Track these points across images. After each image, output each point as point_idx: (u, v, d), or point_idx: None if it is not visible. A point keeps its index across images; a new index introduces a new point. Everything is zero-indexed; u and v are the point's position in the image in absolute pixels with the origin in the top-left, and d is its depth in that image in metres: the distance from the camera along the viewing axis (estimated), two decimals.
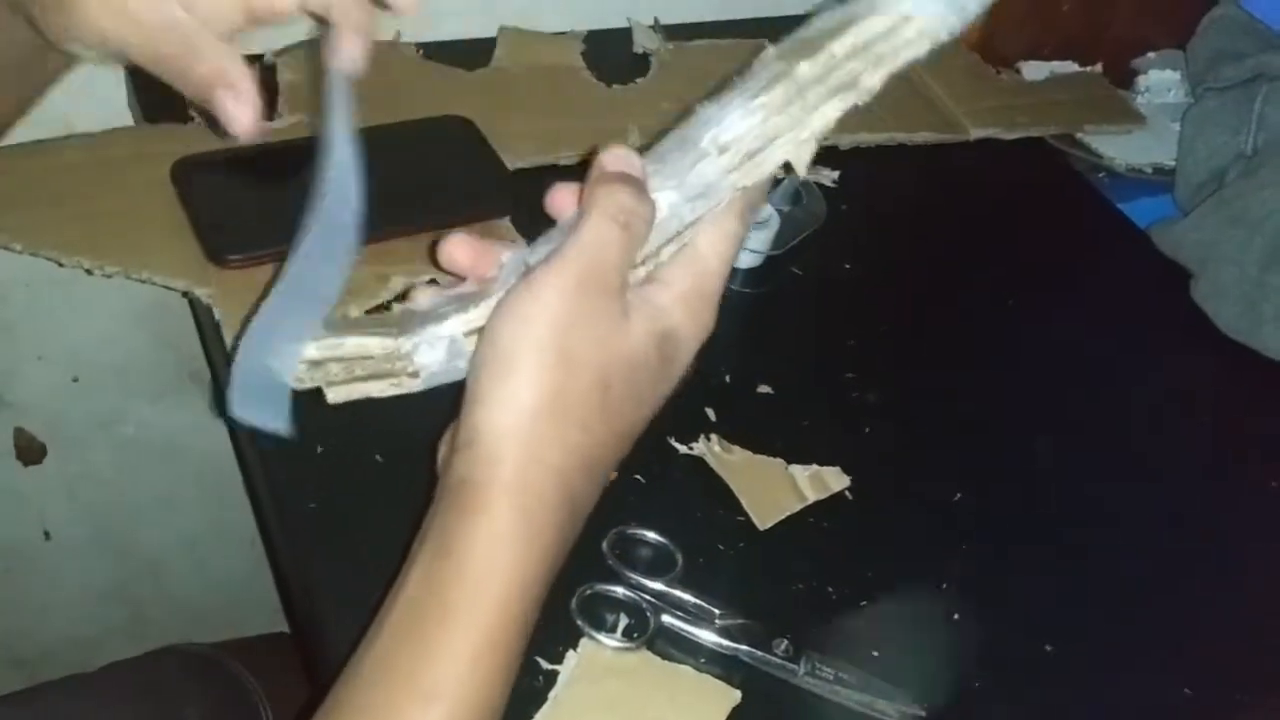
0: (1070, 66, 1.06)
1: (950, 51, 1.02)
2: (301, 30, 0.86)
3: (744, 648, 0.58)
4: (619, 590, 0.59)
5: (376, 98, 0.84)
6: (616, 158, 0.46)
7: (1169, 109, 1.04)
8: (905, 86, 0.99)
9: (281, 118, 0.79)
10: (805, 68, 0.43)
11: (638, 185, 0.45)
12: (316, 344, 0.46)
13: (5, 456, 1.05)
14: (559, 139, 0.84)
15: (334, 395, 0.47)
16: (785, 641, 0.58)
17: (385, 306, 0.68)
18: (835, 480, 0.68)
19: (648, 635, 0.58)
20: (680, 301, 0.45)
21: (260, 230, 0.70)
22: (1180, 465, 0.77)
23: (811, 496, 0.66)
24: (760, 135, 0.44)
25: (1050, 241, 0.92)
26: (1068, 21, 1.05)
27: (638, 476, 0.66)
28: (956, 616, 0.63)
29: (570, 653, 0.57)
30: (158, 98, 0.81)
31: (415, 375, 0.47)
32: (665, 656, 0.58)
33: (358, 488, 0.62)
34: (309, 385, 0.47)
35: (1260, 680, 0.65)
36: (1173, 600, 0.68)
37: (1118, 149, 0.99)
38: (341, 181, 0.48)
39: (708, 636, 0.58)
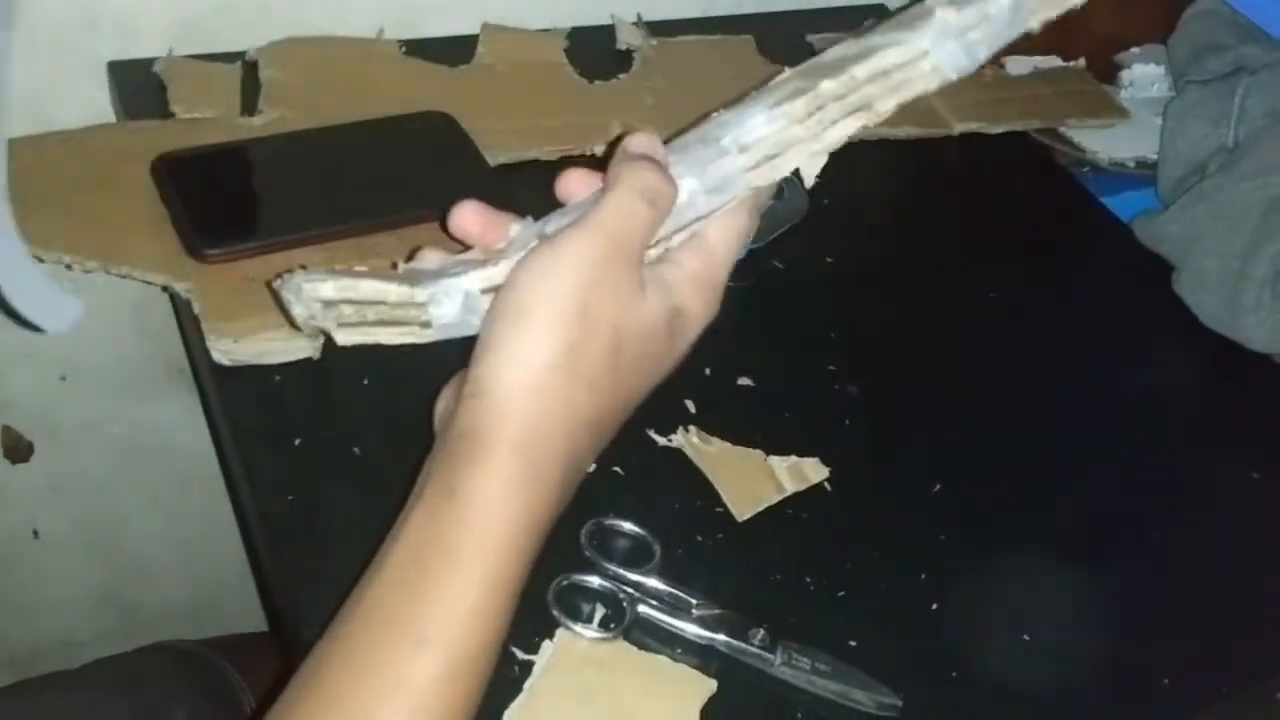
0: (1054, 61, 1.06)
1: None
2: (283, 27, 0.87)
3: (720, 637, 0.58)
4: (595, 580, 0.59)
5: (358, 94, 0.84)
6: (642, 141, 0.48)
7: (1152, 103, 1.04)
8: None
9: (262, 114, 0.80)
10: (828, 85, 0.47)
11: (663, 167, 0.47)
12: (334, 283, 0.46)
13: None
14: (541, 135, 0.84)
15: (343, 337, 0.48)
16: (762, 631, 0.59)
17: None
18: (814, 472, 0.68)
19: (624, 625, 0.58)
20: (691, 283, 0.47)
21: (240, 225, 0.70)
22: (1161, 457, 0.77)
23: (790, 488, 0.67)
24: (779, 141, 0.47)
25: (1033, 235, 0.92)
26: None
27: (616, 468, 0.66)
28: (935, 606, 0.64)
29: (546, 643, 0.57)
30: (139, 94, 0.81)
31: (428, 325, 0.48)
32: (642, 646, 0.58)
33: (336, 481, 0.62)
34: (320, 325, 0.47)
35: (1241, 669, 0.65)
36: (1152, 590, 0.68)
37: (1101, 143, 1.00)
38: None
39: (684, 626, 0.58)
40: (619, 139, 0.49)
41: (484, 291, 0.47)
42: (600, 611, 0.59)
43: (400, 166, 0.78)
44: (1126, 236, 0.91)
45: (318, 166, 0.76)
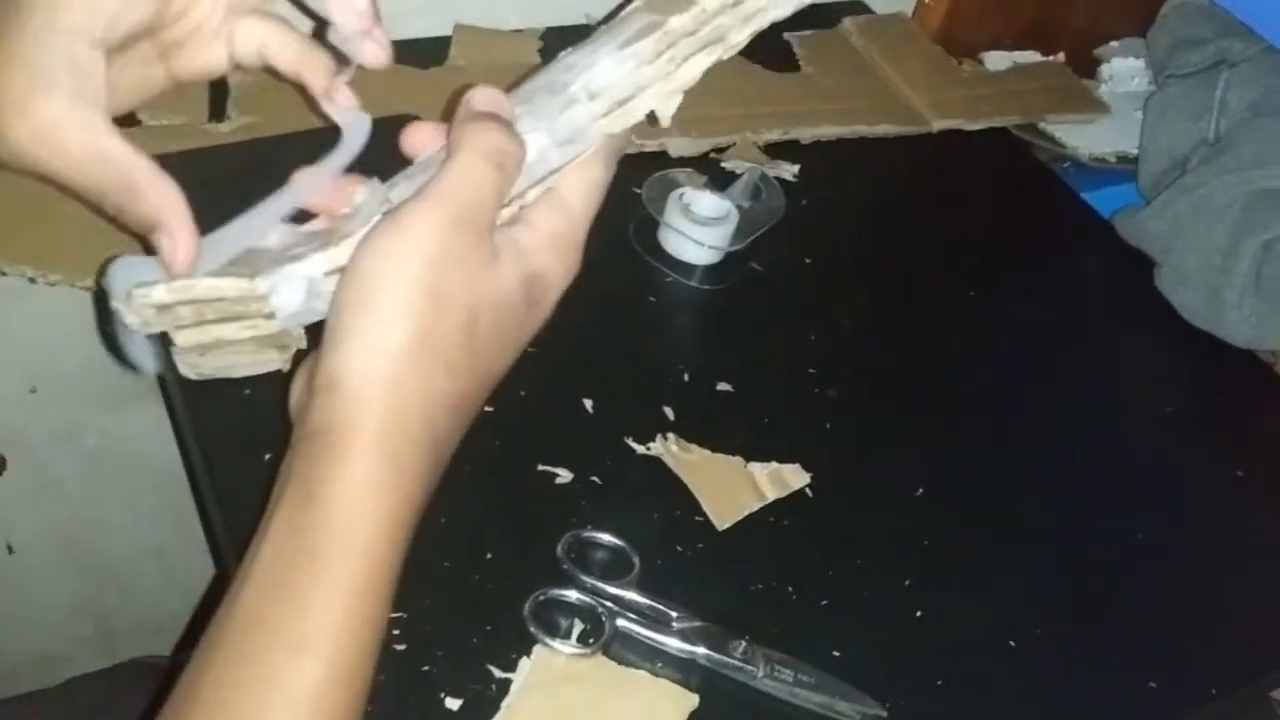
0: (1033, 56, 1.05)
1: (911, 43, 1.02)
2: None
3: (702, 651, 0.57)
4: (573, 595, 0.58)
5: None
6: (486, 97, 0.45)
7: (1132, 97, 1.03)
8: (865, 78, 0.98)
9: (231, 120, 0.78)
10: (677, 21, 0.44)
11: (508, 125, 0.44)
12: (166, 287, 0.44)
13: None
14: None
15: (183, 339, 0.46)
16: (743, 644, 0.58)
17: None
18: (795, 478, 0.67)
19: (603, 640, 0.57)
20: (548, 244, 0.45)
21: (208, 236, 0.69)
22: (1145, 455, 0.76)
23: (771, 495, 0.66)
24: (631, 84, 0.45)
25: (1014, 232, 0.91)
26: (1029, 11, 1.05)
27: (594, 478, 0.65)
28: (919, 614, 0.63)
29: (524, 660, 0.56)
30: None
31: (271, 316, 0.46)
32: (621, 661, 0.57)
33: None
34: (157, 329, 0.45)
35: (1227, 671, 0.65)
36: (1138, 591, 0.67)
37: (1081, 138, 0.99)
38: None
39: (665, 640, 0.57)
40: (460, 92, 0.46)
41: (328, 274, 0.45)
42: (578, 626, 0.58)
43: (374, 172, 0.76)
44: (1108, 233, 0.90)
45: (287, 174, 0.75)
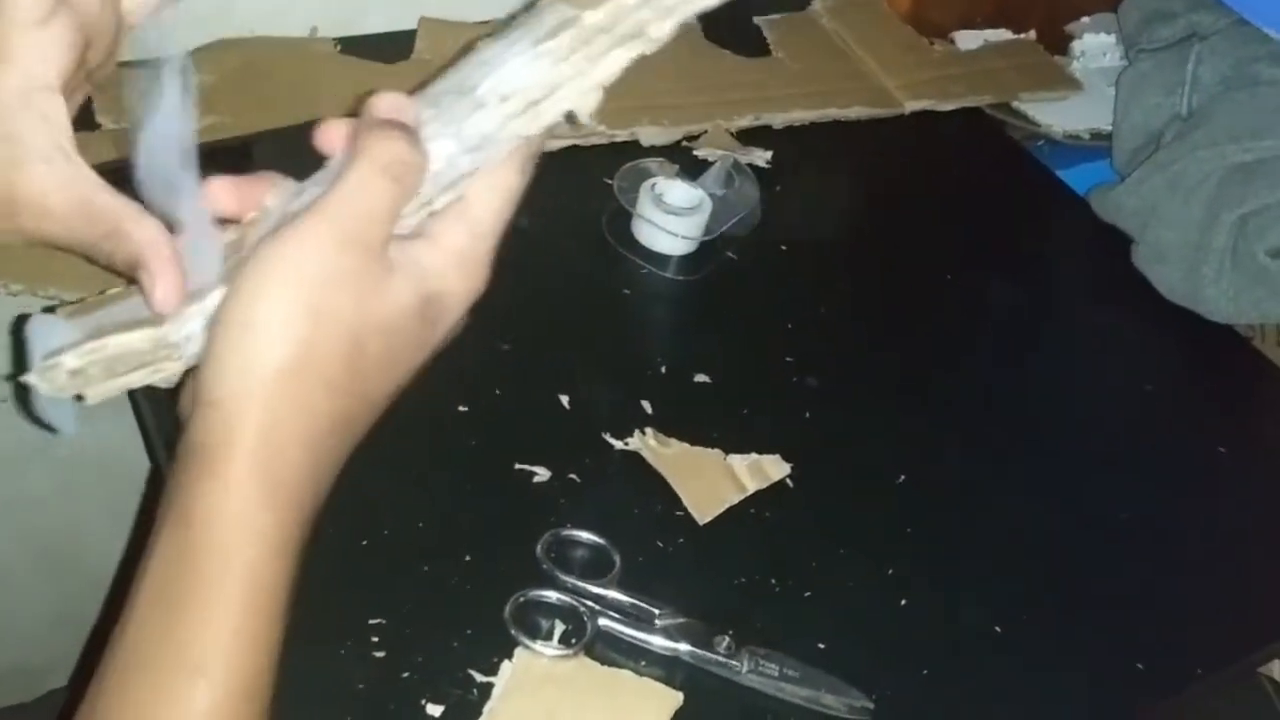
0: (1004, 34, 1.05)
1: (882, 24, 1.01)
2: (212, 29, 0.84)
3: (685, 648, 0.57)
4: (553, 595, 0.57)
5: (293, 96, 0.82)
6: (389, 103, 0.43)
7: (1105, 73, 1.03)
8: (837, 62, 0.97)
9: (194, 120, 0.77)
10: (592, 17, 0.41)
11: (411, 134, 0.42)
12: (75, 353, 0.43)
13: None
14: None
15: (93, 395, 0.44)
16: (727, 639, 0.57)
17: None
18: (775, 469, 0.66)
19: (585, 640, 0.56)
20: (449, 263, 0.42)
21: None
22: (1127, 434, 0.76)
23: (751, 487, 0.65)
24: (544, 84, 0.42)
25: (990, 212, 0.90)
26: None
27: (572, 476, 0.64)
28: (904, 602, 0.62)
29: (505, 663, 0.55)
30: None
31: (179, 360, 0.44)
32: (604, 661, 0.56)
33: None
34: (71, 394, 0.44)
35: (1214, 650, 0.64)
36: (1122, 572, 0.67)
37: (1054, 116, 0.98)
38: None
39: (648, 638, 0.57)
40: (365, 97, 0.43)
41: None
42: (560, 627, 0.57)
43: None
44: (1084, 210, 0.90)
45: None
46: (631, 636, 0.57)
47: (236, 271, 0.41)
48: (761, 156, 0.87)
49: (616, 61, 0.42)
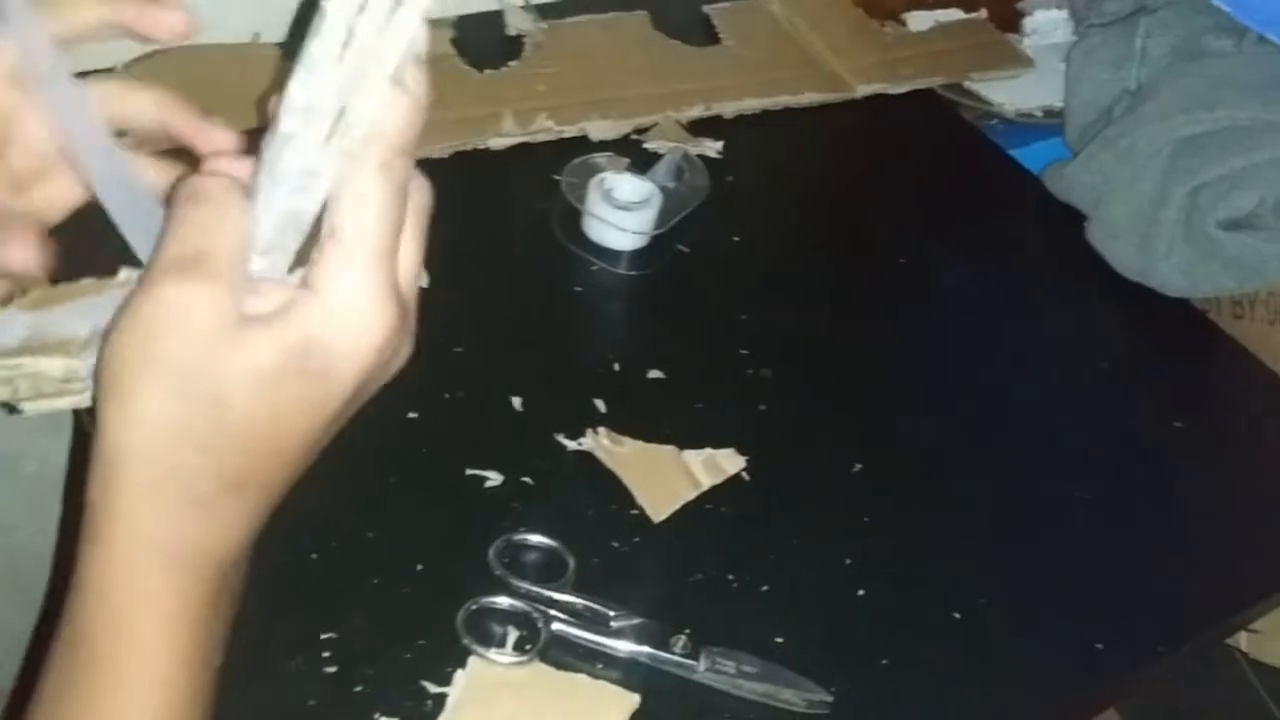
0: (955, 14, 1.04)
1: (832, 8, 1.01)
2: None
3: (642, 649, 0.56)
4: (506, 601, 0.57)
5: (236, 103, 0.80)
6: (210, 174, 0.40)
7: (1056, 49, 1.02)
8: (787, 47, 0.97)
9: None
10: (335, 3, 0.35)
11: (214, 175, 0.39)
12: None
13: None
14: (429, 131, 0.80)
15: (29, 409, 0.43)
16: (684, 638, 0.57)
17: None
18: (730, 463, 0.66)
19: (539, 646, 0.56)
20: (328, 304, 0.37)
21: (123, 246, 0.67)
22: (1082, 411, 0.76)
23: (706, 482, 0.65)
24: (335, 91, 0.36)
25: (944, 194, 0.90)
26: None
27: (525, 479, 0.63)
28: (861, 592, 0.62)
29: (459, 673, 0.55)
30: None
31: (89, 394, 0.42)
32: (560, 666, 0.56)
33: None
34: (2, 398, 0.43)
35: (1172, 630, 0.64)
36: (1080, 553, 0.67)
37: (1007, 94, 0.98)
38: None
39: (603, 641, 0.56)
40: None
41: None
42: (514, 634, 0.56)
43: None
44: (1038, 189, 0.90)
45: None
46: (587, 640, 0.56)
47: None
48: (713, 147, 0.86)
49: (403, 32, 0.36)
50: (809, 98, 0.92)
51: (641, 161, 0.81)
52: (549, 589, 0.58)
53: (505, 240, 0.78)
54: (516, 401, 0.67)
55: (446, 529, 0.61)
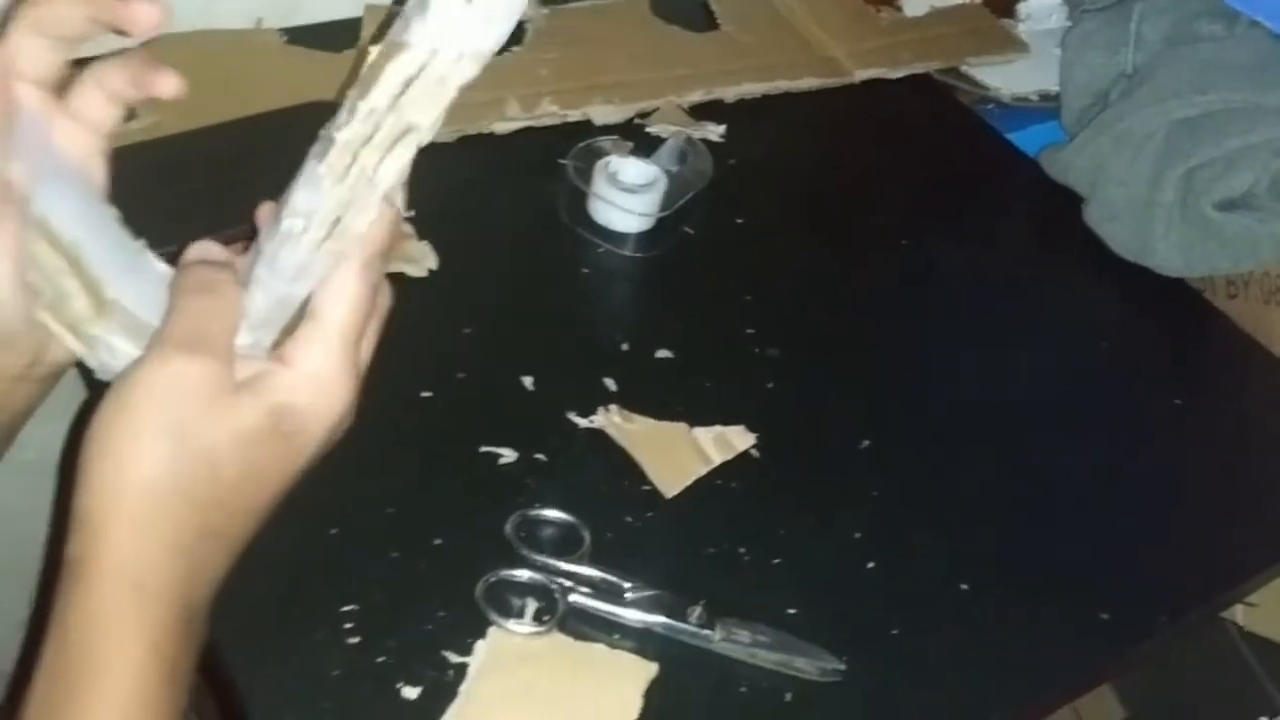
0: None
1: None
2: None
3: (658, 619, 0.57)
4: (524, 574, 0.58)
5: (240, 89, 0.81)
6: (197, 249, 0.46)
7: (1051, 35, 1.03)
8: (785, 33, 0.97)
9: (139, 118, 0.76)
10: (345, 135, 0.40)
11: (215, 263, 0.45)
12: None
13: None
14: None
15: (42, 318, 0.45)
16: (699, 609, 0.58)
17: None
18: (740, 439, 0.67)
19: (557, 617, 0.57)
20: (300, 376, 0.42)
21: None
22: (1084, 389, 0.77)
23: (717, 458, 0.65)
24: (337, 204, 0.41)
25: (942, 178, 0.91)
26: None
27: (539, 455, 0.64)
28: (871, 565, 0.63)
29: (479, 643, 0.55)
30: None
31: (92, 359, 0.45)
32: (578, 636, 0.57)
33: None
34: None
35: (1176, 598, 0.66)
36: (1085, 526, 0.68)
37: (1003, 78, 0.99)
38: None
39: (620, 612, 0.57)
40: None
41: None
42: (532, 605, 0.57)
43: (287, 162, 0.75)
44: (1035, 172, 0.91)
45: (202, 171, 0.73)
46: (604, 611, 0.57)
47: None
48: (714, 131, 0.87)
49: (397, 162, 0.40)
50: (808, 82, 0.93)
51: (645, 145, 0.82)
52: (565, 562, 0.59)
53: (512, 223, 0.78)
54: (527, 381, 0.68)
55: (463, 504, 0.61)
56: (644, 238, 0.78)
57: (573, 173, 0.78)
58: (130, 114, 0.76)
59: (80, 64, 0.45)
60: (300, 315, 0.43)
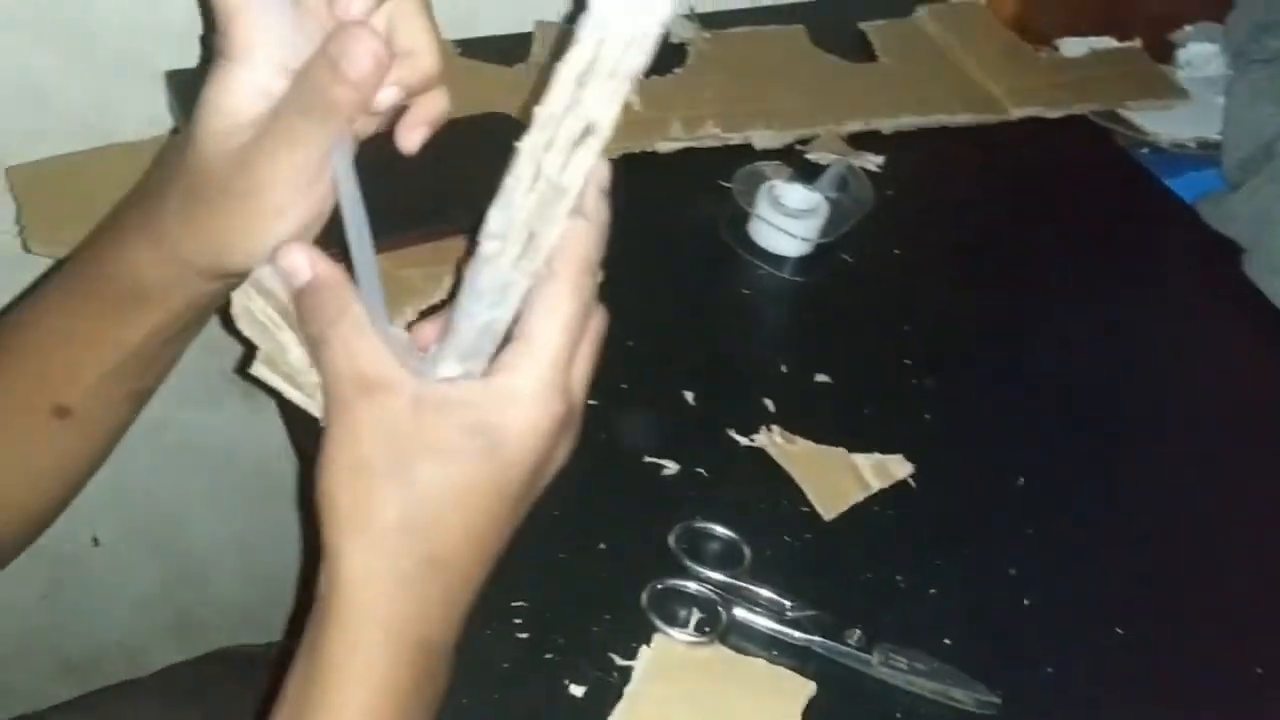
0: (1108, 42, 1.04)
1: (986, 30, 1.02)
2: None
3: (817, 639, 0.58)
4: (689, 584, 0.59)
5: None
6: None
7: (1209, 82, 1.02)
8: (942, 67, 0.98)
9: None
10: (526, 142, 0.40)
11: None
12: (260, 302, 0.47)
13: None
14: None
15: (256, 370, 0.48)
16: (858, 631, 0.58)
17: (438, 307, 0.68)
18: (899, 468, 0.67)
19: (720, 629, 0.58)
20: (506, 394, 0.42)
21: None
22: (1241, 445, 0.76)
23: (875, 485, 0.66)
24: (528, 216, 0.41)
25: (1098, 220, 0.91)
26: None
27: (700, 469, 0.65)
28: (1027, 602, 0.63)
29: (643, 648, 0.57)
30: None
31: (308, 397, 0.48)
32: (738, 650, 0.58)
33: None
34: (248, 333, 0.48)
35: None
36: (1245, 579, 0.67)
37: (1161, 124, 0.98)
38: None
39: (780, 629, 0.58)
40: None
41: None
42: (695, 616, 0.58)
43: (470, 170, 0.77)
44: (1192, 219, 0.90)
45: (380, 172, 0.76)
46: (764, 627, 0.58)
47: None
48: (873, 161, 0.88)
49: (580, 165, 0.40)
50: (964, 118, 0.93)
51: (804, 171, 0.83)
52: (726, 575, 0.60)
53: (673, 240, 0.80)
54: (689, 395, 0.69)
55: (627, 512, 0.63)
56: (803, 262, 0.79)
57: (736, 195, 0.79)
58: None
59: None
60: (508, 342, 0.44)
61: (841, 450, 0.67)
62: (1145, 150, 0.98)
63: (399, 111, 0.50)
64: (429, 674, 0.45)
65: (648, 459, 0.65)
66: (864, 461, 0.67)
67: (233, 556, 1.23)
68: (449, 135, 0.79)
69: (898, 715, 0.57)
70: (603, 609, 0.58)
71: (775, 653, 0.58)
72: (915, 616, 0.61)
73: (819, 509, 0.64)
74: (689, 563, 0.60)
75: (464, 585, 0.45)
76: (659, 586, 0.58)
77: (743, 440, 0.67)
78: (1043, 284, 0.84)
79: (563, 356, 0.43)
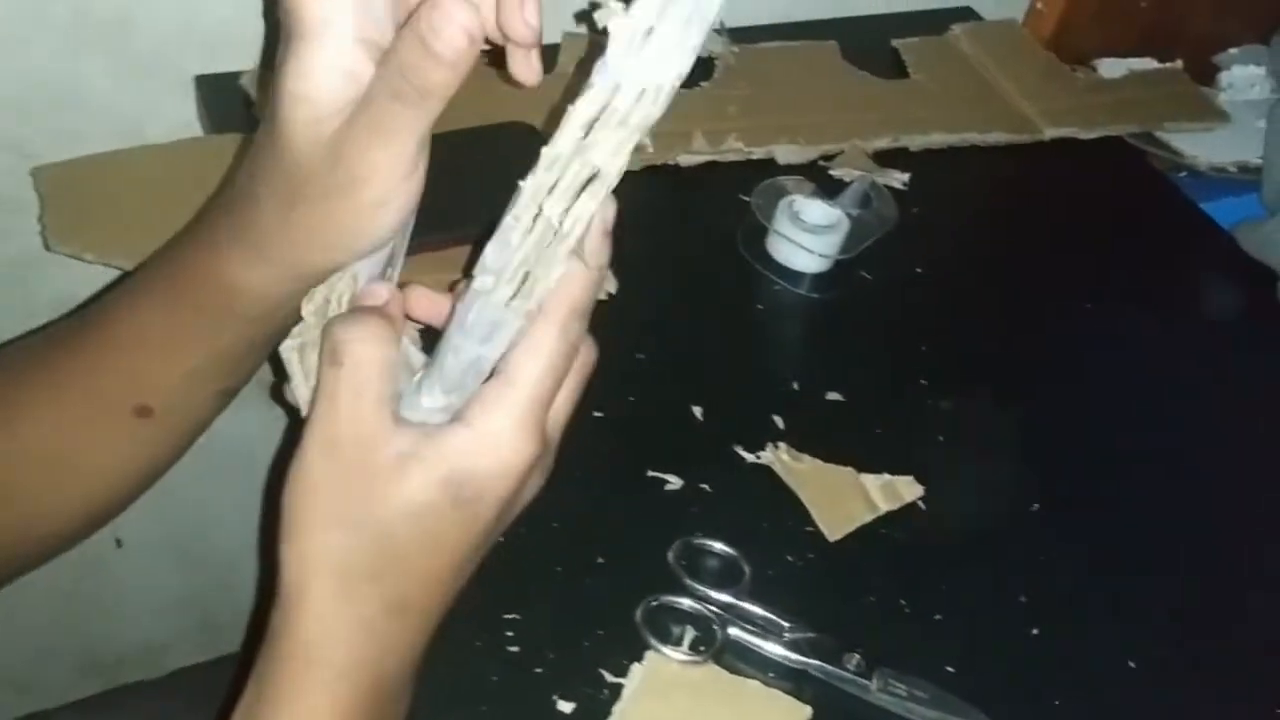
0: (1149, 63, 1.02)
1: (1022, 50, 1.00)
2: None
3: (814, 662, 0.57)
4: (685, 602, 0.58)
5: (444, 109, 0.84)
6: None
7: (1253, 106, 1.00)
8: (976, 85, 0.97)
9: None
10: (530, 182, 0.39)
11: (381, 327, 0.44)
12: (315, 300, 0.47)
13: None
14: None
15: (289, 390, 0.47)
16: (857, 656, 0.57)
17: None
18: (908, 490, 0.66)
19: (715, 648, 0.56)
20: (484, 441, 0.42)
21: None
22: (1269, 473, 0.74)
23: (883, 507, 0.65)
24: (525, 258, 0.40)
25: (1130, 242, 0.89)
26: (1145, 17, 1.02)
27: (704, 485, 0.64)
28: (1035, 631, 0.61)
29: (635, 665, 0.56)
30: (226, 108, 0.82)
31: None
32: (733, 670, 0.56)
33: None
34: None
35: None
36: (1266, 616, 0.65)
37: (1200, 147, 0.96)
38: None
39: (777, 650, 0.57)
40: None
41: None
42: (690, 634, 0.57)
43: (488, 178, 0.77)
44: (1229, 244, 0.88)
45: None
46: (760, 648, 0.57)
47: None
48: (898, 178, 0.86)
49: (583, 211, 0.40)
50: (996, 137, 0.92)
51: (827, 187, 0.82)
52: (725, 594, 0.58)
53: (690, 253, 0.79)
54: (697, 410, 0.68)
55: (626, 526, 0.62)
56: (821, 279, 0.78)
57: (756, 209, 0.78)
58: None
59: None
60: (466, 383, 0.43)
61: (850, 470, 0.66)
62: (1183, 174, 0.96)
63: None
64: (387, 712, 0.45)
65: (651, 473, 0.64)
66: (873, 482, 0.66)
67: (255, 560, 1.23)
68: (468, 144, 0.79)
69: None
70: (596, 624, 0.57)
71: (771, 675, 0.57)
72: (918, 642, 0.59)
73: (824, 529, 0.63)
74: (687, 580, 0.59)
75: (424, 626, 0.45)
76: (654, 603, 0.57)
77: (749, 457, 0.66)
78: (1068, 307, 0.82)
79: (542, 398, 0.42)
